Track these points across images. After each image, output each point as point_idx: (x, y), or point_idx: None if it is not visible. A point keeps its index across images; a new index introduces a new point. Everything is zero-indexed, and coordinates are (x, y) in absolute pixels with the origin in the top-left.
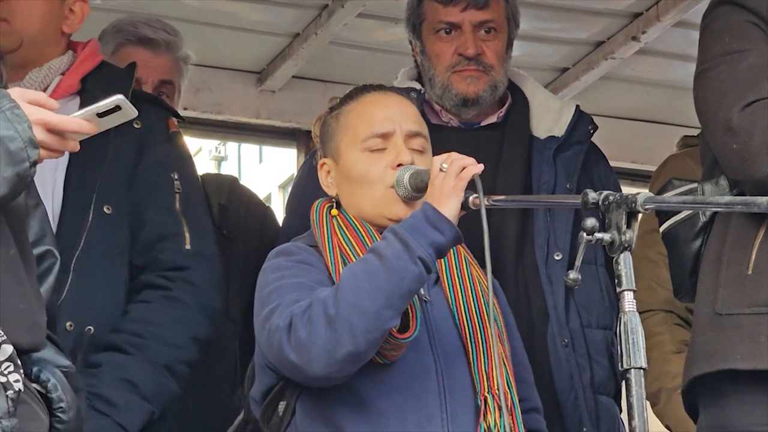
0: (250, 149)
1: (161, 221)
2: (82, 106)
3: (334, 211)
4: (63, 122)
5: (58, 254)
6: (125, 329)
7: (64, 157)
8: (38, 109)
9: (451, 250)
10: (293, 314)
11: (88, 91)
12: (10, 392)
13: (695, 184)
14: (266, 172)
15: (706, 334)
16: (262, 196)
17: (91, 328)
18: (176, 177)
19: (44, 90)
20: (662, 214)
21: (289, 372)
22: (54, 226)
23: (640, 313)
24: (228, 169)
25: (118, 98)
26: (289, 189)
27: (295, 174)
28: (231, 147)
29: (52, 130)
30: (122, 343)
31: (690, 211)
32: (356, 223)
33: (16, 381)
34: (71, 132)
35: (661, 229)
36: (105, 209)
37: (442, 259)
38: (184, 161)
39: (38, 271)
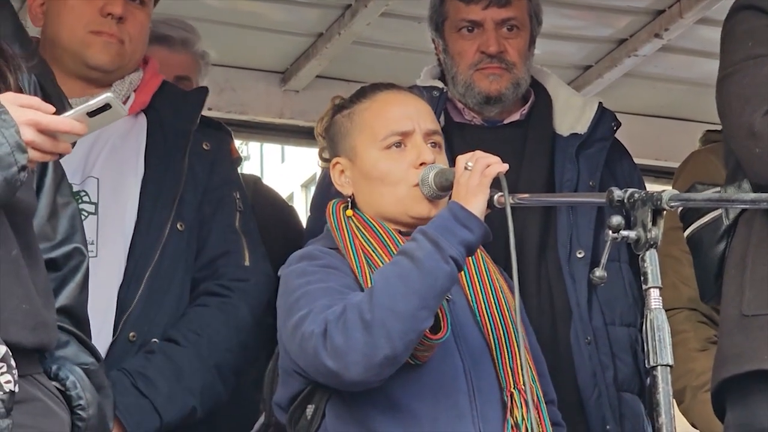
0: (272, 149)
1: (223, 238)
2: (149, 124)
3: (349, 212)
4: (54, 122)
5: (86, 252)
6: (182, 326)
7: (138, 173)
8: (29, 111)
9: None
10: (327, 320)
11: (155, 108)
12: (0, 393)
13: (718, 188)
14: (288, 172)
15: (734, 337)
16: (284, 195)
17: (157, 341)
18: (238, 196)
19: (124, 103)
20: (687, 219)
21: (324, 378)
22: (128, 240)
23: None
24: (250, 169)
25: (107, 96)
26: (312, 188)
27: (318, 173)
28: (253, 146)
29: (43, 131)
30: (178, 337)
31: (713, 215)
32: (374, 224)
33: (8, 382)
34: (63, 132)
35: (686, 233)
36: (178, 226)
37: None
38: (242, 184)
39: (65, 270)
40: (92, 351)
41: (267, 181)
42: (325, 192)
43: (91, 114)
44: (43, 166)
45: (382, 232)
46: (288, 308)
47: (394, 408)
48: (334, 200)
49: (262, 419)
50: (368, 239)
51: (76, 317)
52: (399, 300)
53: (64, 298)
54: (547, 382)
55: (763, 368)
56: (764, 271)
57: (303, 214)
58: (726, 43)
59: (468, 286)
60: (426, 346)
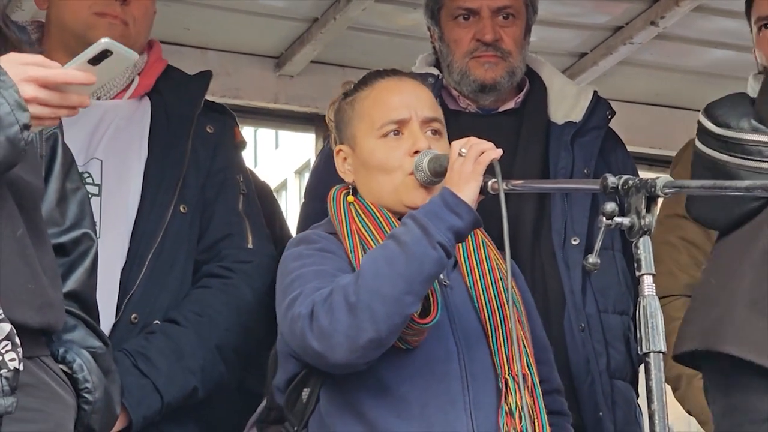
0: (266, 135)
1: (226, 221)
2: (153, 107)
3: (351, 198)
4: (53, 75)
5: (95, 237)
6: (183, 308)
7: (142, 155)
8: (30, 67)
9: (469, 234)
10: (314, 302)
11: (159, 92)
12: (4, 371)
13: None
14: (282, 158)
15: (748, 316)
16: (277, 182)
17: (159, 322)
18: (241, 179)
19: (128, 87)
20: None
21: (312, 360)
22: (131, 222)
23: (660, 298)
24: (244, 155)
25: (104, 41)
26: (306, 175)
27: (312, 159)
28: (247, 133)
29: (46, 86)
30: (178, 317)
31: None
32: (374, 209)
33: (12, 360)
34: (66, 83)
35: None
36: (181, 209)
37: (461, 243)
38: (245, 167)
39: (74, 255)
40: (100, 335)
41: (261, 167)
42: (320, 178)
43: (95, 63)
44: (52, 151)
45: (380, 217)
46: (283, 290)
47: (384, 392)
48: (336, 186)
49: (264, 402)
50: (366, 224)
51: (84, 302)
52: (384, 283)
53: (72, 283)
54: (551, 371)
55: None
56: None
57: (296, 201)
58: None
59: (467, 271)
60: (415, 330)
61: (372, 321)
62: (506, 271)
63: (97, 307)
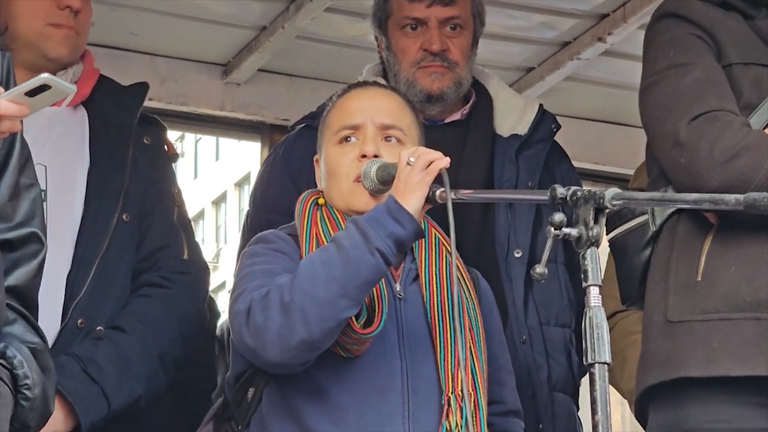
0: (206, 146)
1: (163, 231)
2: (90, 117)
3: (322, 200)
4: None
5: (44, 240)
6: (127, 316)
7: (84, 162)
8: None
9: (433, 246)
10: (253, 299)
11: (95, 101)
12: None
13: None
14: (222, 170)
15: (659, 343)
16: (217, 193)
17: (102, 329)
18: (176, 191)
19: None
20: (609, 223)
21: (248, 356)
22: (76, 228)
23: (616, 312)
24: (184, 166)
25: (43, 77)
26: (246, 187)
27: (253, 172)
28: (188, 144)
29: None
30: (124, 325)
31: (639, 221)
32: (338, 215)
33: None
34: None
35: (608, 237)
36: (124, 217)
37: (423, 256)
38: (176, 179)
39: (20, 252)
40: (38, 332)
41: (201, 179)
42: (265, 187)
43: (31, 95)
44: (10, 146)
45: (342, 224)
46: (233, 287)
47: (322, 399)
48: (308, 191)
49: (222, 398)
50: (327, 229)
51: (26, 299)
52: (319, 286)
53: (14, 278)
54: (509, 393)
55: (689, 375)
56: (688, 277)
57: (236, 213)
58: (648, 52)
59: (426, 285)
60: (355, 340)
61: (304, 322)
62: (463, 287)
63: (38, 307)
